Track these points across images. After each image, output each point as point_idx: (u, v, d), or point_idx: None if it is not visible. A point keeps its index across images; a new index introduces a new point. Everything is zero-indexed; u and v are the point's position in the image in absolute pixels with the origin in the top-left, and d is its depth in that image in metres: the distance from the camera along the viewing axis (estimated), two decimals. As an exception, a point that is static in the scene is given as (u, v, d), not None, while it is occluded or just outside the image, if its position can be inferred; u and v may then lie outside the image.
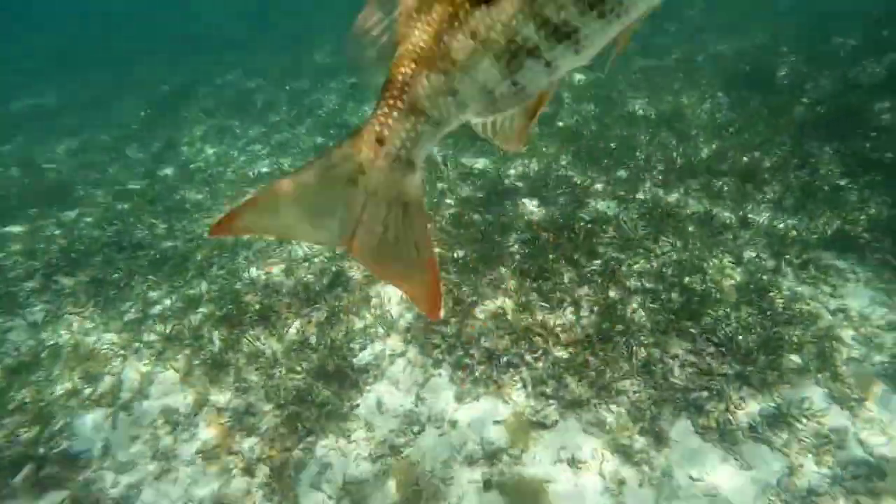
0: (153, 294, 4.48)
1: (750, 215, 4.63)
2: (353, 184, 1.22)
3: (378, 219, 1.24)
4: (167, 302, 4.37)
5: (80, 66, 14.93)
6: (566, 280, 3.96)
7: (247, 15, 16.89)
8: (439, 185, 5.32)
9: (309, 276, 4.38)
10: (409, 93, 1.13)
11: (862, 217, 4.55)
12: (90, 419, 3.57)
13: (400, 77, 1.13)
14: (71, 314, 4.43)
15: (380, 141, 1.18)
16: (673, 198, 4.89)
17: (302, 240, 1.05)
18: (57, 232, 5.71)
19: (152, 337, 4.04)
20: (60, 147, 8.77)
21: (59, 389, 3.78)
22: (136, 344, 4.00)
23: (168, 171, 7.01)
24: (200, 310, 4.22)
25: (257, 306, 4.11)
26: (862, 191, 4.90)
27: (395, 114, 1.16)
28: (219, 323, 4.05)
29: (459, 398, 3.37)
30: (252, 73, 11.12)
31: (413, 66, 1.12)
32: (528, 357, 3.47)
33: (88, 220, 5.97)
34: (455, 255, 4.30)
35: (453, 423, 3.27)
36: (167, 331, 4.04)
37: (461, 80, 1.09)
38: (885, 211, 4.57)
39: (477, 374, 3.45)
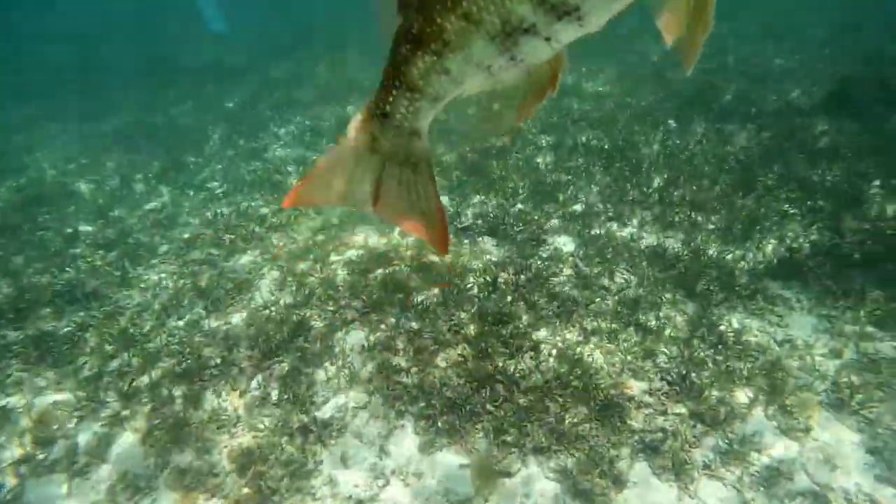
0: (109, 348, 4.37)
1: (701, 246, 4.80)
2: (371, 152, 1.42)
3: (394, 177, 1.45)
4: (124, 356, 4.27)
5: (45, 83, 14.45)
6: (525, 322, 4.03)
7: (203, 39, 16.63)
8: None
9: (269, 325, 4.34)
10: (406, 73, 1.22)
11: (805, 244, 4.77)
12: (44, 487, 3.47)
13: (398, 58, 1.21)
14: (20, 372, 4.28)
15: (385, 116, 1.33)
16: (627, 231, 5.04)
17: (343, 206, 1.33)
18: (2, 280, 5.52)
19: (109, 396, 3.94)
20: (5, 183, 8.46)
21: (9, 455, 3.65)
22: (93, 403, 3.90)
23: (122, 211, 6.84)
24: (159, 365, 4.13)
25: (218, 360, 4.05)
26: (805, 216, 5.13)
27: (394, 92, 1.28)
28: (178, 379, 3.98)
29: (423, 449, 3.40)
30: (208, 104, 10.95)
31: (409, 46, 1.18)
32: (489, 405, 3.52)
33: (37, 265, 5.78)
34: (415, 300, 4.34)
35: (418, 475, 3.29)
36: (125, 388, 3.95)
37: (453, 60, 1.14)
38: (827, 236, 4.81)
39: (439, 424, 3.48)
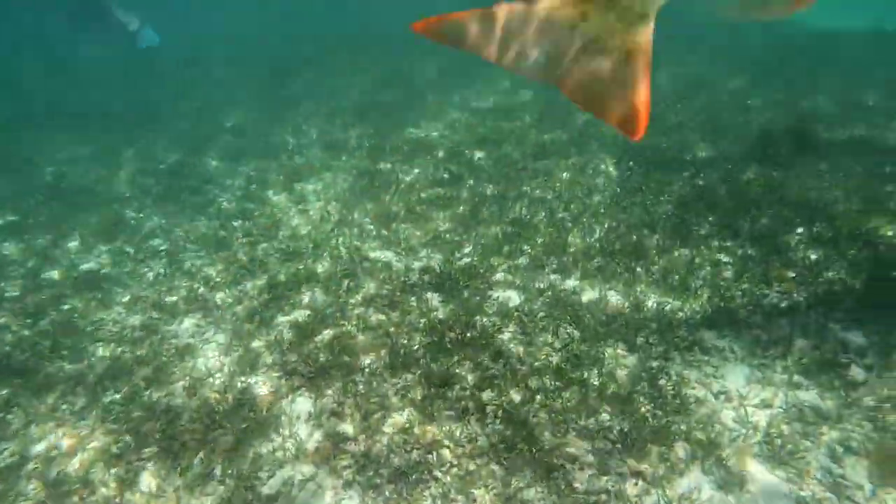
0: (35, 430, 4.14)
1: (640, 297, 4.97)
2: (572, 28, 1.23)
3: (597, 62, 1.25)
4: (52, 439, 4.05)
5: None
6: (471, 382, 4.06)
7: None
8: (345, 283, 5.35)
9: (213, 394, 4.23)
10: None
11: (738, 292, 4.99)
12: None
13: None
14: (-63, 458, 4.01)
15: None
16: (570, 284, 5.17)
17: (508, 68, 1.07)
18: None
19: (31, 486, 3.72)
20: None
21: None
22: (10, 497, 3.67)
23: (54, 273, 6.55)
24: (92, 445, 3.95)
25: (157, 436, 3.90)
26: (736, 264, 5.38)
27: None
28: (113, 460, 3.80)
29: (371, 522, 3.35)
30: (150, 153, 10.66)
31: None
32: (436, 472, 3.50)
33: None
34: (362, 363, 4.32)
35: (366, 551, 3.23)
36: (52, 476, 3.74)
37: None
38: (756, 285, 5.05)
39: (387, 493, 3.44)
